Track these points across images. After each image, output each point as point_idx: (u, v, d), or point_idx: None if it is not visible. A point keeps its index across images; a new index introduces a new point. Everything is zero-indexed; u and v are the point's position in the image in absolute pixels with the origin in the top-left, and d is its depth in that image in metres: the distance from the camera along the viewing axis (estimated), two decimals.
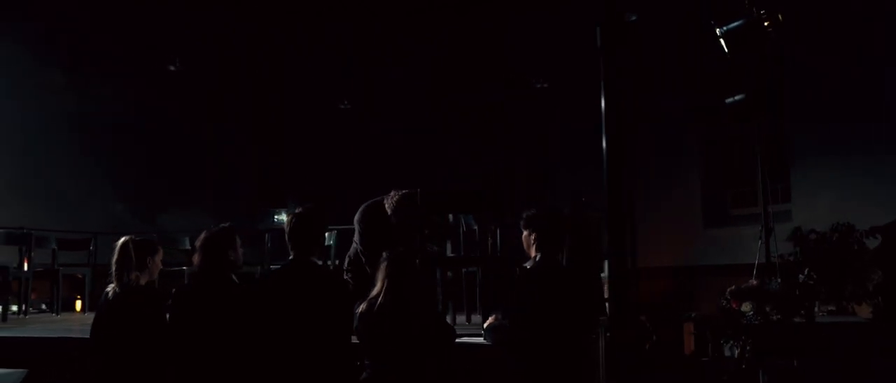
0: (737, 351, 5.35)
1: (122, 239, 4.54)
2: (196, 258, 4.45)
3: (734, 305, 5.27)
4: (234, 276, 4.39)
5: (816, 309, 7.22)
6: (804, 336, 5.22)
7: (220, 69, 10.93)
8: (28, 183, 10.67)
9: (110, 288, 4.50)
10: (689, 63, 9.77)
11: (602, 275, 7.73)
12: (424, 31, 10.35)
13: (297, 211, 4.16)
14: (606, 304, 7.37)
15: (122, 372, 4.39)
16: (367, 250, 4.76)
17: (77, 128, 11.08)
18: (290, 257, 4.15)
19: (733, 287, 5.42)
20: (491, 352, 4.28)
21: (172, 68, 9.86)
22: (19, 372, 4.79)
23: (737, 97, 5.87)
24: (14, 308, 7.70)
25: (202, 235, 4.45)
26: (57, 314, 7.80)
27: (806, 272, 7.34)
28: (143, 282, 4.51)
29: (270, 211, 11.78)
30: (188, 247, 7.97)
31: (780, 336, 5.04)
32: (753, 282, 5.36)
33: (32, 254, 7.67)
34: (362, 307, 4.07)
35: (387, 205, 4.83)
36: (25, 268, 7.60)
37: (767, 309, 5.11)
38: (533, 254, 4.19)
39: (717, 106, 6.84)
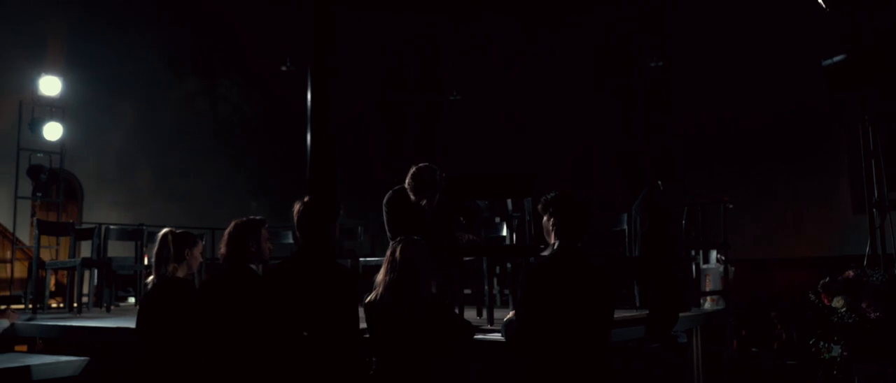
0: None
1: (162, 231, 4.64)
2: (222, 249, 4.45)
3: (825, 300, 4.52)
4: (255, 267, 4.36)
5: None
6: None
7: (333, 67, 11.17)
8: (168, 183, 11.50)
9: (150, 279, 4.63)
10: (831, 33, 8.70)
11: (706, 266, 7.07)
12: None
13: (304, 199, 4.00)
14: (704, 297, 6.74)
15: (162, 358, 4.49)
16: (392, 236, 4.56)
17: (210, 131, 11.81)
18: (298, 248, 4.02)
19: (826, 279, 4.66)
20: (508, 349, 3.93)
21: (284, 68, 10.17)
22: (81, 361, 5.05)
23: (836, 58, 5.03)
24: (132, 299, 8.26)
25: (229, 227, 4.45)
26: None
27: None
28: (180, 273, 4.58)
29: None
30: None
31: (878, 336, 4.25)
32: (849, 273, 4.57)
33: (146, 248, 8.13)
34: (369, 297, 3.89)
35: (407, 185, 4.62)
36: (144, 262, 8.08)
37: (864, 305, 4.33)
38: (551, 240, 3.79)
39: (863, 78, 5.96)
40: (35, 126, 9.16)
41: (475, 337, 4.05)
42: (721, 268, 6.91)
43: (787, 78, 9.62)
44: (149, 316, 4.56)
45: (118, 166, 11.10)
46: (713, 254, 7.13)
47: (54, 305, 8.21)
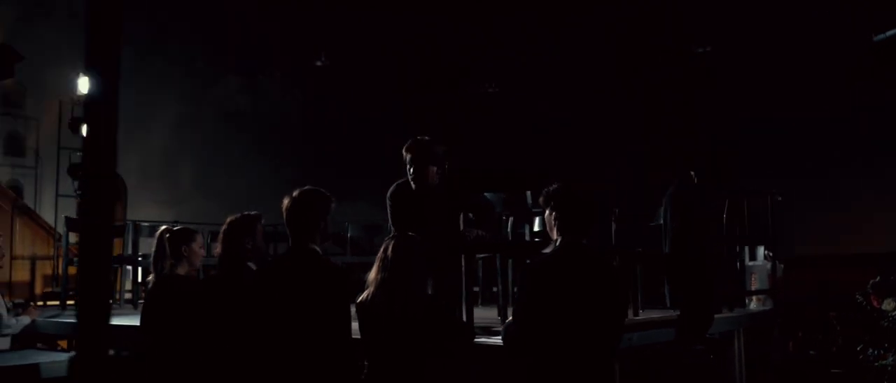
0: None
1: (160, 229, 4.53)
2: (217, 247, 4.30)
3: (874, 302, 4.06)
4: (251, 265, 4.19)
5: None
6: None
7: (364, 62, 11.02)
8: (209, 181, 11.54)
9: (150, 277, 4.52)
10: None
11: (753, 263, 6.61)
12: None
13: (294, 194, 3.77)
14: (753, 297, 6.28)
15: (166, 356, 4.38)
16: (397, 231, 4.31)
17: (250, 128, 11.81)
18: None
19: (877, 278, 4.19)
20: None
21: (318, 63, 10.05)
22: None
23: (889, 33, 4.53)
24: None
25: (224, 224, 4.30)
26: None
27: None
28: (181, 271, 4.45)
29: None
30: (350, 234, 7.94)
31: None
32: None
33: None
34: (361, 297, 3.64)
35: (404, 158, 4.37)
36: None
37: None
38: (554, 236, 3.47)
39: None
40: (74, 125, 9.27)
41: (476, 339, 3.77)
42: (768, 265, 6.43)
43: (850, 62, 9.00)
44: (150, 315, 4.46)
45: (159, 164, 11.20)
46: (761, 251, 6.65)
47: None
